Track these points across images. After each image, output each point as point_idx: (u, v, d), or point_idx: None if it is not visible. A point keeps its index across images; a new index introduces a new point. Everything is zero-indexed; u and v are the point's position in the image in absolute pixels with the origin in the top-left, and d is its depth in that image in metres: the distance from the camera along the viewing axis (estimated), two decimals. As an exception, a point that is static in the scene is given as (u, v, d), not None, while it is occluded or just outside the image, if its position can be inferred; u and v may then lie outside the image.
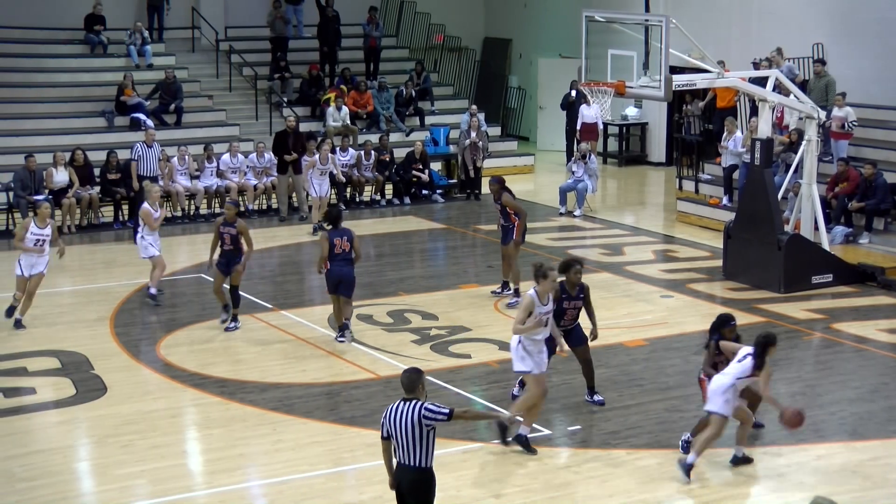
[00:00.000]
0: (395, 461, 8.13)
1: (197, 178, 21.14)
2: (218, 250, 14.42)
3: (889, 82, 20.68)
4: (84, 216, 20.19)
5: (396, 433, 7.96)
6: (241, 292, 14.72)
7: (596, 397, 12.04)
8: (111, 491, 10.15)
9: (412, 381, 8.09)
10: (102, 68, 24.67)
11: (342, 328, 13.92)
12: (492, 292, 15.93)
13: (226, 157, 21.41)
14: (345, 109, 24.05)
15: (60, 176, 19.83)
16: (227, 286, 14.48)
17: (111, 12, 25.27)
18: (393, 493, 8.18)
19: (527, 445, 10.81)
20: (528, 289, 10.91)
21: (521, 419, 10.73)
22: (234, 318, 14.50)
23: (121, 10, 25.77)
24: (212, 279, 14.94)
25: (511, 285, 15.64)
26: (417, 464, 7.96)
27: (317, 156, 20.43)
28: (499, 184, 15.36)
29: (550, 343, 11.19)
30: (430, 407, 7.98)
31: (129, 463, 10.66)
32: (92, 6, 24.85)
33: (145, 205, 15.73)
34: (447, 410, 8.01)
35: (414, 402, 8.01)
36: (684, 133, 23.34)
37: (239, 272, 14.38)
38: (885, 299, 16.03)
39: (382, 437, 8.11)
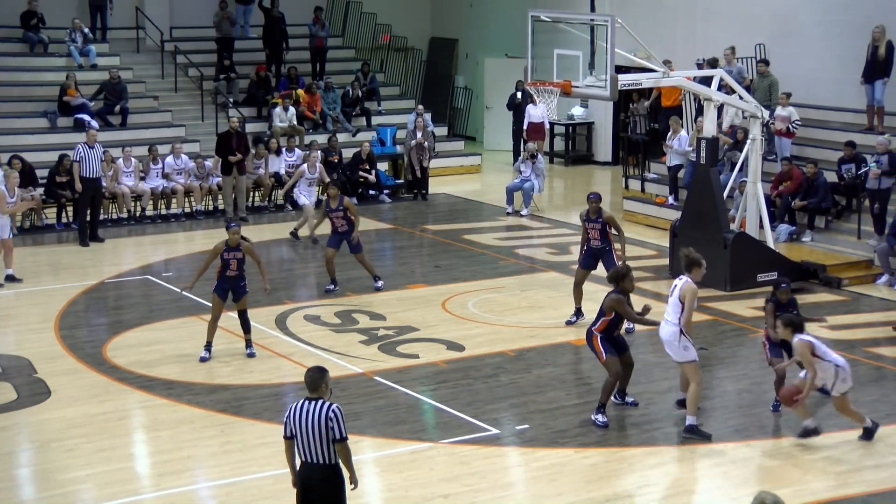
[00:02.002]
0: (298, 460, 8.15)
1: (143, 179, 20.96)
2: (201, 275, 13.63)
3: (829, 83, 20.99)
4: (27, 218, 19.93)
5: (302, 432, 7.98)
6: (188, 293, 14.57)
7: (628, 399, 11.94)
8: (55, 497, 10.03)
9: (315, 381, 8.10)
10: (43, 68, 24.34)
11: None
12: (566, 322, 14.76)
13: (169, 158, 21.22)
14: (291, 110, 23.95)
15: None
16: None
17: (51, 11, 24.93)
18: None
19: (699, 432, 11.05)
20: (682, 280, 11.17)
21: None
22: (250, 344, 13.47)
23: (61, 9, 25.41)
24: (186, 294, 14.09)
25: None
26: (326, 461, 7.99)
27: (304, 165, 19.82)
28: (599, 201, 14.25)
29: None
30: (339, 414, 7.98)
31: (74, 467, 10.54)
32: (27, 2, 24.49)
33: (2, 187, 16.74)
34: (346, 434, 8.01)
35: (320, 401, 8.02)
36: (630, 132, 23.51)
37: (246, 298, 13.39)
38: (826, 296, 16.27)
39: (285, 437, 8.13)
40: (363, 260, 16.15)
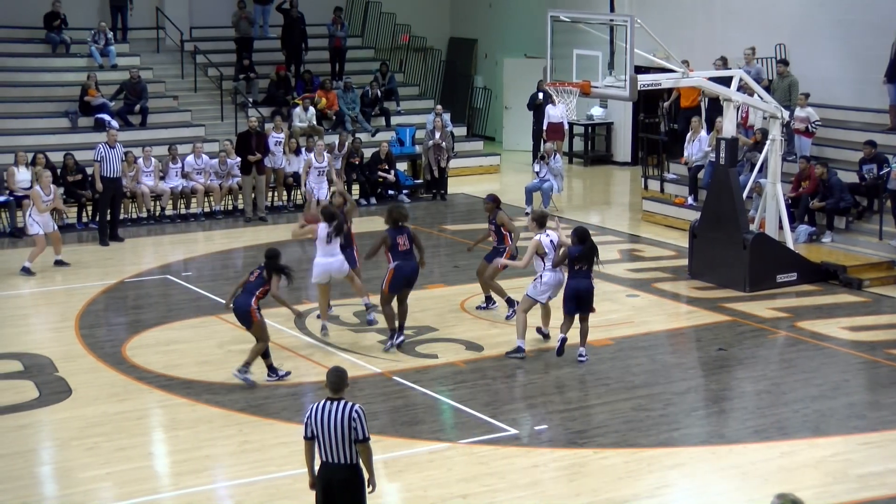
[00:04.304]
0: (318, 461, 8.16)
1: (162, 179, 21.02)
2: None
3: (848, 83, 20.89)
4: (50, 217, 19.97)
5: (324, 432, 7.99)
6: (204, 292, 14.65)
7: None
8: (75, 494, 10.08)
9: (340, 381, 8.13)
10: (64, 68, 24.47)
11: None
12: (477, 307, 15.33)
13: (189, 158, 21.27)
14: (311, 110, 23.98)
15: (22, 175, 19.64)
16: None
17: (73, 12, 25.07)
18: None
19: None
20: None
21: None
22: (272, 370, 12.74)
23: (82, 9, 25.56)
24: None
25: (497, 297, 15.02)
26: (348, 461, 8.01)
27: (312, 154, 20.07)
28: (493, 202, 14.79)
29: None
30: (361, 415, 8.02)
31: (94, 466, 10.59)
32: (51, 3, 24.64)
33: (37, 187, 17.62)
34: (368, 435, 8.05)
35: (342, 401, 8.05)
36: (659, 131, 23.39)
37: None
38: (846, 297, 16.19)
39: (306, 438, 8.13)
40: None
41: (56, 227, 17.75)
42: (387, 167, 22.58)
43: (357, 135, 23.76)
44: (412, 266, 13.60)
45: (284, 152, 21.82)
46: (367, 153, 22.93)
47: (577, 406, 12.05)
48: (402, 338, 13.66)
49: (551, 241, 13.51)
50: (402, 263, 13.50)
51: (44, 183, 17.63)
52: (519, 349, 13.49)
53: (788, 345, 14.32)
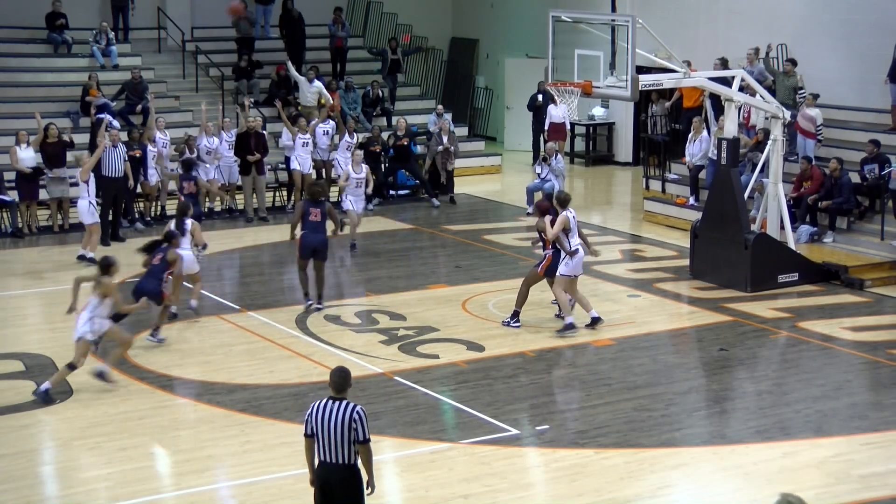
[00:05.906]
0: (316, 460, 8.17)
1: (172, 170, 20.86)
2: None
3: (851, 83, 20.87)
4: (53, 218, 19.90)
5: (323, 431, 7.99)
6: (205, 292, 14.61)
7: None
8: (77, 494, 10.09)
9: (343, 382, 8.12)
10: (66, 68, 24.47)
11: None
12: (503, 322, 14.70)
13: (203, 141, 20.89)
14: (316, 83, 23.75)
15: (24, 153, 19.40)
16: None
17: (74, 12, 25.08)
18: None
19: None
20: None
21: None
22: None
23: (84, 10, 25.56)
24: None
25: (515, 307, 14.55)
26: (346, 461, 8.02)
27: (349, 165, 19.01)
28: (538, 209, 14.90)
29: None
30: (363, 416, 8.01)
31: (96, 466, 10.59)
32: (52, 3, 24.64)
33: (79, 170, 17.76)
34: (369, 436, 8.05)
35: (344, 402, 8.05)
36: (658, 132, 23.37)
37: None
38: (848, 297, 16.18)
39: (306, 435, 8.13)
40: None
41: (96, 220, 17.88)
42: (406, 142, 22.31)
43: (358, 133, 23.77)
44: (319, 238, 14.82)
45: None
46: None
47: (579, 406, 12.05)
48: (310, 302, 15.17)
49: (573, 216, 14.41)
50: (308, 234, 14.76)
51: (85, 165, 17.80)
52: (595, 319, 14.39)
53: (790, 345, 14.32)
